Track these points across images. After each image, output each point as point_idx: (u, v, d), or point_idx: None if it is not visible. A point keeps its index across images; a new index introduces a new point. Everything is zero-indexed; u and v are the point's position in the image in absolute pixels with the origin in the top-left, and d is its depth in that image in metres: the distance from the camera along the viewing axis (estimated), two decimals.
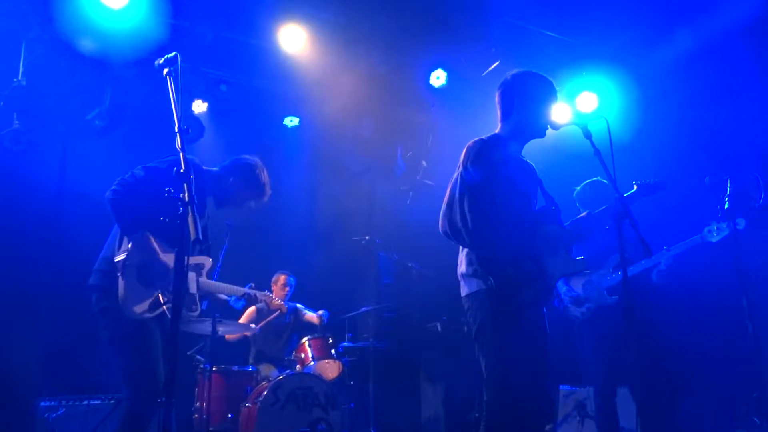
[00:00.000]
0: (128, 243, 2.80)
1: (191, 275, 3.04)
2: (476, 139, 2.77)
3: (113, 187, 2.83)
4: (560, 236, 2.74)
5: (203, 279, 3.22)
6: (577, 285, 4.04)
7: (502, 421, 2.55)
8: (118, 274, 2.75)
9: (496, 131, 2.90)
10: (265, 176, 3.37)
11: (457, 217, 2.60)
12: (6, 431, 4.25)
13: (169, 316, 2.75)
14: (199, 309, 3.08)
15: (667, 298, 4.12)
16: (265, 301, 3.94)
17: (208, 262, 3.22)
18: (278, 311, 5.23)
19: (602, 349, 3.86)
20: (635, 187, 3.01)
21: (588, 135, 2.74)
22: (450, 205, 2.67)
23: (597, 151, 2.70)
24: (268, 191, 3.39)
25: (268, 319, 5.35)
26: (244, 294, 3.67)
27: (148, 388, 2.77)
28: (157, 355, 2.84)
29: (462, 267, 2.73)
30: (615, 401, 3.82)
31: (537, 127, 2.87)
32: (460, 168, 2.70)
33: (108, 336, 2.85)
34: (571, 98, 5.79)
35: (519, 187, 2.75)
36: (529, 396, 2.55)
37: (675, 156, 5.09)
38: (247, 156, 3.39)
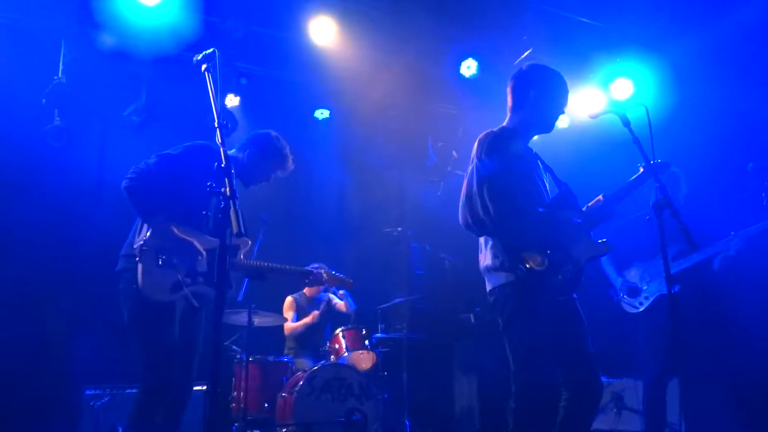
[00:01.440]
0: (147, 229, 2.84)
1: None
2: (487, 131, 2.79)
3: (128, 176, 2.86)
4: (577, 222, 2.75)
5: (242, 260, 3.23)
6: (634, 275, 3.97)
7: (532, 411, 2.58)
8: (137, 259, 2.79)
9: (505, 123, 2.91)
10: (282, 143, 3.35)
11: (479, 208, 2.62)
12: (53, 419, 4.40)
13: (193, 300, 2.88)
14: (236, 291, 3.08)
15: (733, 287, 3.99)
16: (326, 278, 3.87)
17: (245, 244, 3.20)
18: (311, 317, 5.42)
19: (658, 340, 3.79)
20: (641, 170, 2.93)
21: (627, 123, 2.70)
22: (469, 197, 2.69)
23: (636, 139, 2.66)
24: (291, 158, 3.38)
25: (305, 321, 5.49)
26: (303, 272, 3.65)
27: (161, 371, 2.81)
28: (171, 341, 2.85)
29: (488, 260, 2.74)
30: (665, 394, 3.75)
31: (547, 122, 2.89)
32: (475, 160, 2.72)
33: (127, 319, 2.89)
34: (606, 85, 5.68)
35: (531, 177, 2.78)
36: (555, 386, 2.59)
37: (714, 143, 4.96)
38: (261, 130, 3.40)
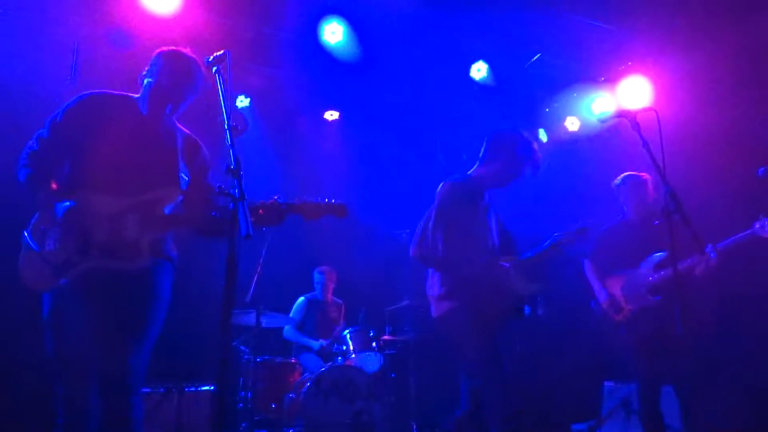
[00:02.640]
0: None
1: (132, 218, 2.36)
2: (452, 180, 3.18)
3: (20, 163, 2.47)
4: (511, 269, 3.13)
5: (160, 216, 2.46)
6: (614, 286, 3.95)
7: (514, 418, 2.92)
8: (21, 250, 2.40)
9: (471, 172, 3.29)
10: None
11: (429, 245, 3.05)
12: (52, 420, 4.41)
13: (96, 278, 2.30)
14: (142, 260, 2.36)
15: (712, 295, 4.00)
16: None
17: (164, 195, 2.48)
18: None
19: (643, 349, 3.76)
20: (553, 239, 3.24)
21: (636, 127, 2.69)
22: (423, 233, 3.10)
23: (645, 143, 2.66)
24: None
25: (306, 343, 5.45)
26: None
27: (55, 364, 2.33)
28: (62, 331, 2.32)
29: (434, 289, 3.15)
30: (659, 399, 3.74)
31: (507, 182, 3.26)
32: (436, 204, 3.12)
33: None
34: (616, 89, 5.66)
35: (485, 224, 3.19)
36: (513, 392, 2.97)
37: (724, 148, 4.92)
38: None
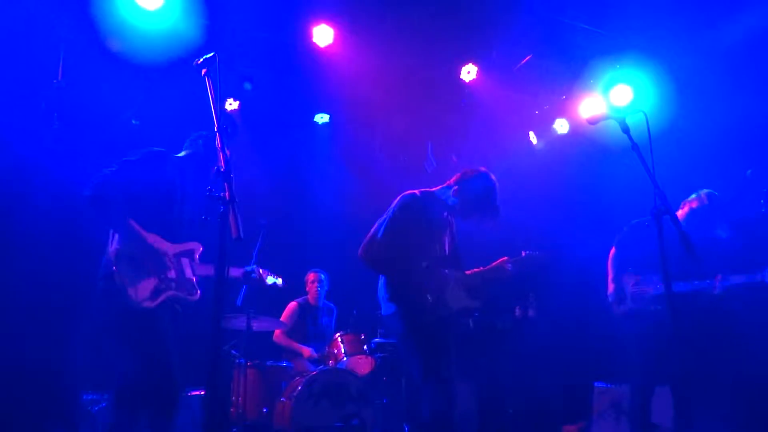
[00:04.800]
0: (116, 235, 2.85)
1: (185, 261, 3.03)
2: (411, 192, 3.29)
3: (90, 184, 2.83)
4: (451, 280, 3.25)
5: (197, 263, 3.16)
6: (628, 283, 3.94)
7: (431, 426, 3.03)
8: (114, 268, 2.77)
9: (435, 189, 3.41)
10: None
11: (374, 248, 3.17)
12: (51, 423, 4.38)
13: (176, 305, 2.90)
14: (199, 293, 3.04)
15: (720, 323, 3.97)
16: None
17: (198, 247, 3.17)
18: (307, 353, 5.32)
19: (642, 347, 3.78)
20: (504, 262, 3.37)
21: (626, 129, 2.72)
22: (372, 238, 3.20)
23: (635, 146, 2.68)
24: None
25: (299, 347, 5.40)
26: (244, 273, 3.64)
27: (137, 380, 2.74)
28: (151, 349, 2.80)
29: (381, 290, 3.26)
30: (650, 399, 3.75)
31: (467, 218, 3.39)
32: (389, 212, 3.23)
33: (111, 326, 2.86)
34: (605, 91, 5.69)
35: (431, 237, 3.27)
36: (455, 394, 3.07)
37: (712, 149, 4.97)
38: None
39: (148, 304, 2.79)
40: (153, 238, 2.90)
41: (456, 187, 3.40)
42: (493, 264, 3.38)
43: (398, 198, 3.30)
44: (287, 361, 5.21)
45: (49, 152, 4.75)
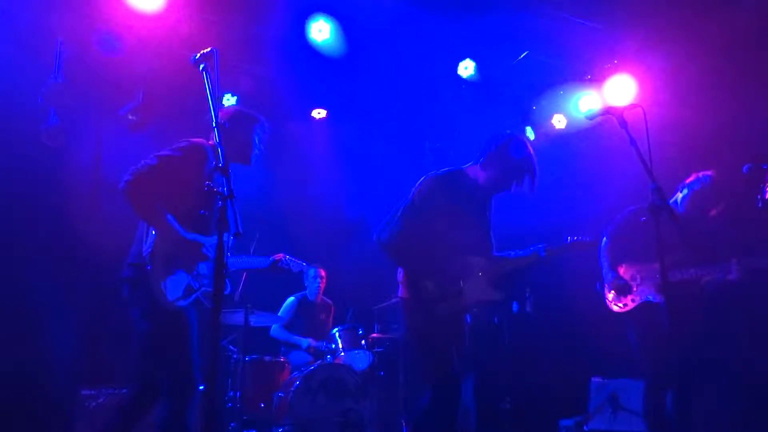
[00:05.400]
0: (152, 231, 2.77)
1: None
2: (436, 172, 3.11)
3: (126, 178, 2.76)
4: (477, 269, 3.07)
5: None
6: (625, 274, 3.87)
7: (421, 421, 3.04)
8: (148, 267, 2.72)
9: (466, 167, 3.20)
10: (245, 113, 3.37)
11: (390, 233, 2.98)
12: (48, 419, 4.39)
13: (204, 302, 2.84)
14: (229, 288, 3.00)
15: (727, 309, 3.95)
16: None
17: (229, 240, 3.18)
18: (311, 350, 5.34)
19: (648, 344, 3.71)
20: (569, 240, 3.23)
21: (623, 124, 2.71)
22: (390, 221, 3.03)
23: (633, 141, 2.67)
24: (264, 121, 3.43)
25: (294, 342, 5.42)
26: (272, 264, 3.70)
27: (182, 382, 2.77)
28: (192, 348, 2.82)
29: (399, 274, 3.12)
30: (665, 395, 3.66)
31: (505, 188, 3.18)
32: (411, 193, 3.06)
33: (143, 327, 2.81)
34: (603, 87, 5.69)
35: (455, 220, 3.04)
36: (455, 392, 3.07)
37: (709, 145, 4.97)
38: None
39: (178, 302, 2.77)
40: (191, 235, 2.83)
41: (484, 160, 3.17)
42: (529, 252, 3.16)
43: (422, 179, 3.10)
44: (285, 355, 5.22)
45: (47, 149, 4.74)
